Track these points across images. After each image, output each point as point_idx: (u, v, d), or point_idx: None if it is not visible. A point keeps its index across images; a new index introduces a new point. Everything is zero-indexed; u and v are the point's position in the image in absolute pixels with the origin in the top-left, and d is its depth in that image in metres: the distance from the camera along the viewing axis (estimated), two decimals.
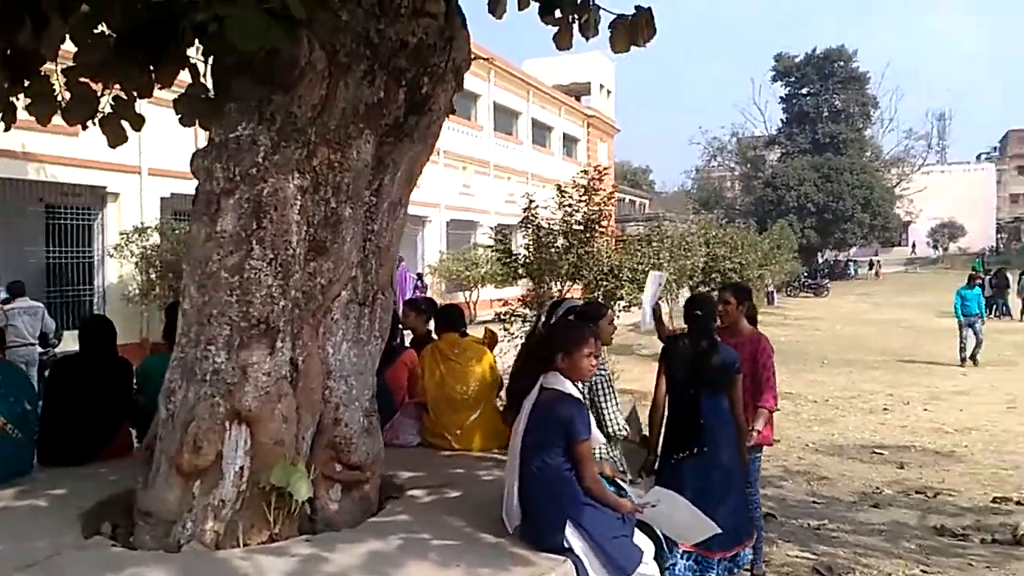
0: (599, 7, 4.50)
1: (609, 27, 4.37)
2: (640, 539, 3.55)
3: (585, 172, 11.10)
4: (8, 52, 4.28)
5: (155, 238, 14.06)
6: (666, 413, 4.60)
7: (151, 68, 4.83)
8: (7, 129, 4.82)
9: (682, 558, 4.15)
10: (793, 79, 58.17)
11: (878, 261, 59.24)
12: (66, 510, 4.09)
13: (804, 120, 57.34)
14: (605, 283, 11.39)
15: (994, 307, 26.20)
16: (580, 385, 3.76)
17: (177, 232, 13.77)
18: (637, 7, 4.31)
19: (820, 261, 55.47)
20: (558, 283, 10.75)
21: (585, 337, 3.68)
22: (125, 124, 4.71)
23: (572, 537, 3.37)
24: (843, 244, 56.07)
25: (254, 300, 3.72)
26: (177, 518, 3.63)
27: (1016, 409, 11.44)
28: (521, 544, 3.49)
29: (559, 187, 11.14)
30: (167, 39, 4.79)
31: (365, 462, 4.08)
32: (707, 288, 20.24)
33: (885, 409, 11.70)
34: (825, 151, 54.45)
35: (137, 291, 14.12)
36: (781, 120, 60.31)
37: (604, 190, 11.18)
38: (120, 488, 4.47)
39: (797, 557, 5.55)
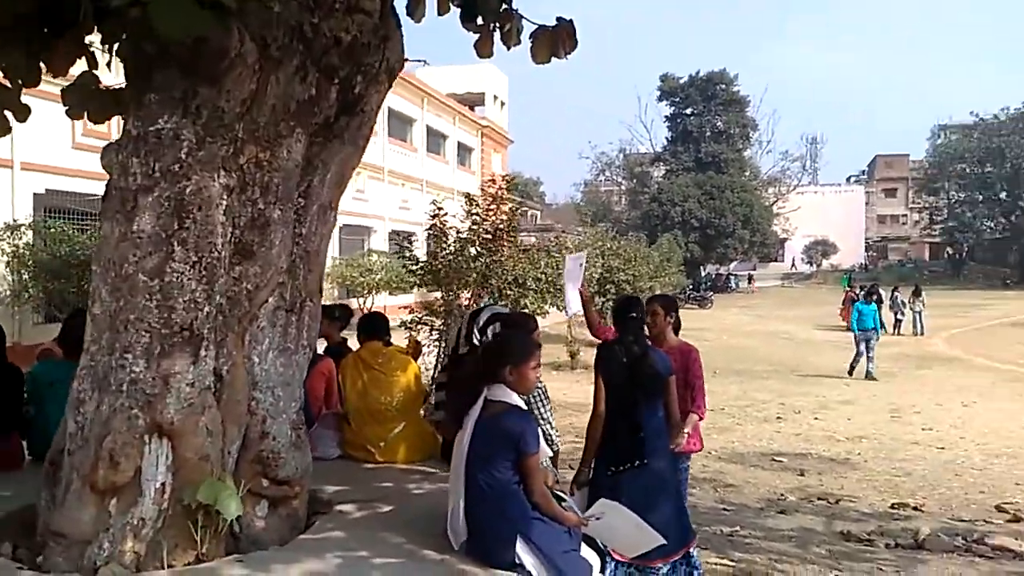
0: (522, 16, 4.46)
1: (530, 37, 4.33)
2: (586, 552, 3.49)
3: (493, 182, 11.07)
4: None
5: (28, 236, 13.17)
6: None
7: (39, 55, 4.58)
8: None
9: (619, 567, 4.10)
10: (678, 99, 59.97)
11: (747, 276, 61.94)
12: None
13: (688, 139, 59.17)
14: (510, 292, 11.41)
15: None
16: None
17: (52, 230, 12.95)
18: (559, 18, 4.30)
19: (703, 275, 57.34)
20: (466, 291, 10.65)
21: (532, 349, 3.62)
22: (8, 114, 4.33)
23: (523, 553, 3.28)
24: (724, 259, 58.21)
25: (176, 305, 3.47)
26: (92, 538, 3.33)
27: (900, 418, 12.06)
28: (469, 561, 3.37)
29: (468, 196, 11.08)
30: (61, 24, 4.52)
31: (293, 477, 3.86)
32: (603, 300, 20.59)
33: (779, 418, 12.12)
34: (708, 169, 56.35)
35: (8, 292, 13.19)
36: (666, 138, 62.14)
37: (512, 200, 11.17)
38: (15, 504, 4.15)
39: (716, 564, 5.62)
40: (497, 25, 4.51)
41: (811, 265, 75.62)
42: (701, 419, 5.07)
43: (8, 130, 4.45)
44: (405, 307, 13.44)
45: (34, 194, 14.02)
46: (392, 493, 4.45)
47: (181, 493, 3.42)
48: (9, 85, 4.53)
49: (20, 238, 13.12)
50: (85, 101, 4.45)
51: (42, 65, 4.29)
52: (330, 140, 4.10)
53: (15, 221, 13.22)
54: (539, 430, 3.50)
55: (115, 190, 3.63)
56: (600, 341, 4.85)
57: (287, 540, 3.76)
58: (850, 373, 16.57)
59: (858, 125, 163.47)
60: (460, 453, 3.48)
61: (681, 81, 59.68)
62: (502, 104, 39.92)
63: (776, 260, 74.90)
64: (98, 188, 13.65)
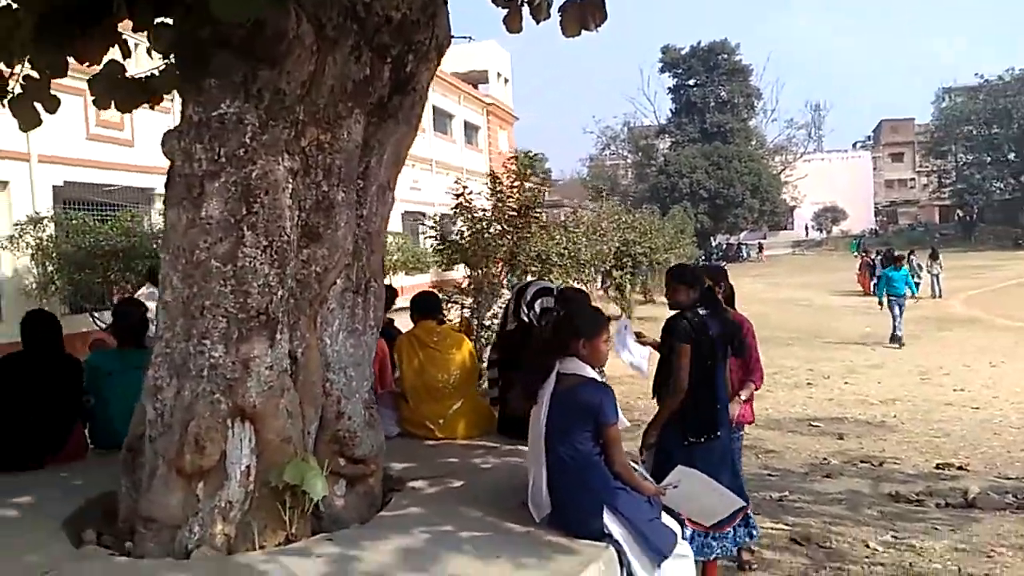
0: None
1: (559, 10, 4.25)
2: (668, 520, 3.52)
3: (515, 158, 11.04)
4: None
5: (51, 229, 13.19)
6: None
7: (72, 45, 4.56)
8: None
9: (695, 535, 4.12)
10: (680, 71, 59.58)
11: (757, 245, 61.77)
12: (44, 519, 3.80)
13: (692, 110, 58.84)
14: (534, 268, 11.39)
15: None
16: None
17: (75, 222, 12.96)
18: None
19: (713, 245, 57.25)
20: (494, 268, 10.67)
21: (604, 323, 3.63)
22: (38, 106, 4.30)
23: (610, 523, 3.30)
24: (735, 228, 58.07)
25: (251, 290, 3.49)
26: (182, 523, 3.38)
27: (929, 380, 12.06)
28: (554, 532, 3.40)
29: (492, 173, 11.05)
30: (95, 14, 4.51)
31: (369, 455, 3.90)
32: (621, 272, 20.54)
33: (809, 383, 12.13)
34: (714, 140, 56.07)
35: (35, 284, 13.23)
36: (671, 110, 61.79)
37: (536, 176, 11.15)
38: (91, 492, 4.20)
39: (771, 529, 5.66)
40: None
41: (821, 232, 75.36)
42: (757, 389, 5.08)
43: (39, 122, 4.45)
44: (422, 286, 13.45)
45: (53, 186, 14.01)
46: (459, 469, 4.48)
47: (266, 475, 3.45)
48: (38, 77, 4.55)
49: (44, 231, 13.14)
50: (112, 90, 4.44)
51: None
52: (384, 120, 4.09)
53: (37, 214, 13.24)
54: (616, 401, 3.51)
55: (179, 177, 3.63)
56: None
57: (366, 518, 3.80)
58: (894, 341, 15.67)
59: (862, 91, 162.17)
60: (538, 427, 3.50)
61: (683, 52, 59.26)
62: (506, 81, 39.63)
63: (786, 228, 74.61)
64: (113, 178, 13.64)
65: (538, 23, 4.57)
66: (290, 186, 3.63)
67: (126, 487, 3.75)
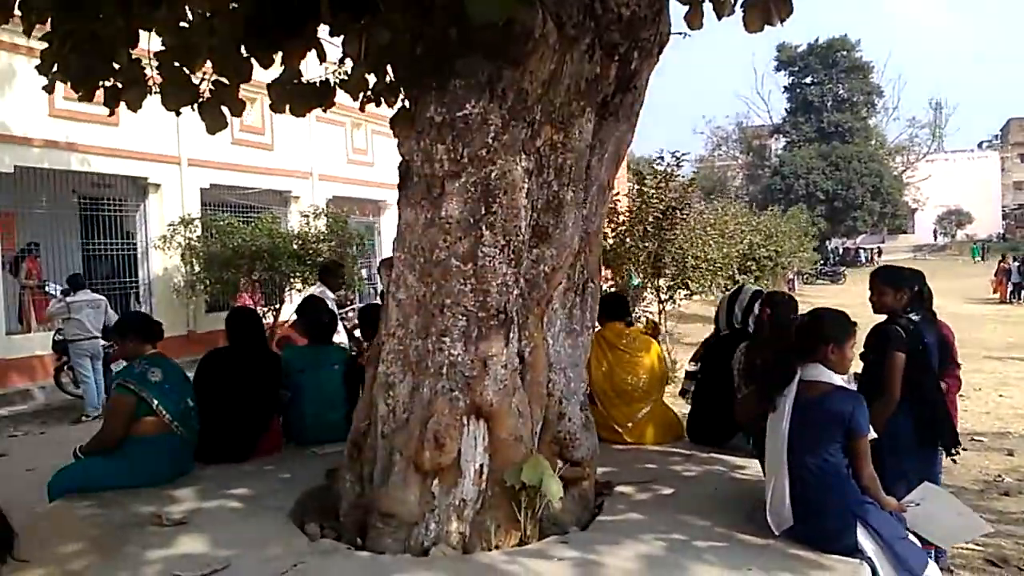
0: None
1: (743, 5, 4.10)
2: (914, 539, 3.36)
3: (661, 158, 10.87)
4: (94, 35, 4.11)
5: (199, 230, 13.80)
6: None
7: (275, 49, 4.69)
8: (133, 111, 4.60)
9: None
10: (796, 69, 58.10)
11: (876, 249, 59.36)
12: (268, 511, 3.91)
13: (809, 109, 57.23)
14: (669, 272, 11.14)
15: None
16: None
17: (221, 223, 13.52)
18: None
19: (830, 249, 55.44)
20: (639, 272, 10.53)
21: (852, 328, 3.49)
22: (224, 109, 4.52)
23: (863, 538, 3.17)
24: (852, 232, 56.14)
25: (490, 289, 3.50)
26: (419, 519, 3.42)
27: None
28: (796, 545, 3.28)
29: (638, 174, 10.91)
30: (302, 18, 4.64)
31: (586, 457, 3.87)
32: (743, 277, 20.00)
33: (961, 395, 11.48)
34: (831, 139, 54.34)
35: (183, 283, 13.87)
36: (785, 109, 60.20)
37: (681, 177, 10.94)
38: (301, 485, 4.31)
39: (962, 548, 5.36)
40: None
41: (945, 236, 71.88)
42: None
43: (225, 125, 4.59)
44: None
45: (200, 189, 14.63)
46: (663, 475, 4.41)
47: (500, 474, 3.46)
48: (227, 82, 4.70)
49: (193, 232, 13.74)
50: (288, 96, 4.59)
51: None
52: (606, 119, 4.04)
53: (189, 215, 13.86)
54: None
55: (417, 177, 3.68)
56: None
57: (583, 521, 3.77)
58: None
59: (988, 88, 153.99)
60: (778, 436, 3.39)
61: (799, 49, 57.66)
62: None
63: (906, 232, 71.51)
64: (253, 181, 14.19)
65: (720, 19, 4.44)
66: (526, 186, 3.63)
67: (350, 481, 3.82)
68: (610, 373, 5.14)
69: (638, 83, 4.12)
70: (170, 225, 13.66)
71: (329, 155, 17.60)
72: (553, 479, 3.41)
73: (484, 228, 3.52)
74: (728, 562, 3.14)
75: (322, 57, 5.22)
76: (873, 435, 3.37)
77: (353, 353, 5.93)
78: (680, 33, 4.46)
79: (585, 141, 3.84)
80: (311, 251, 13.42)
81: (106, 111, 4.58)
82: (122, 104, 4.49)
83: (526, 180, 3.63)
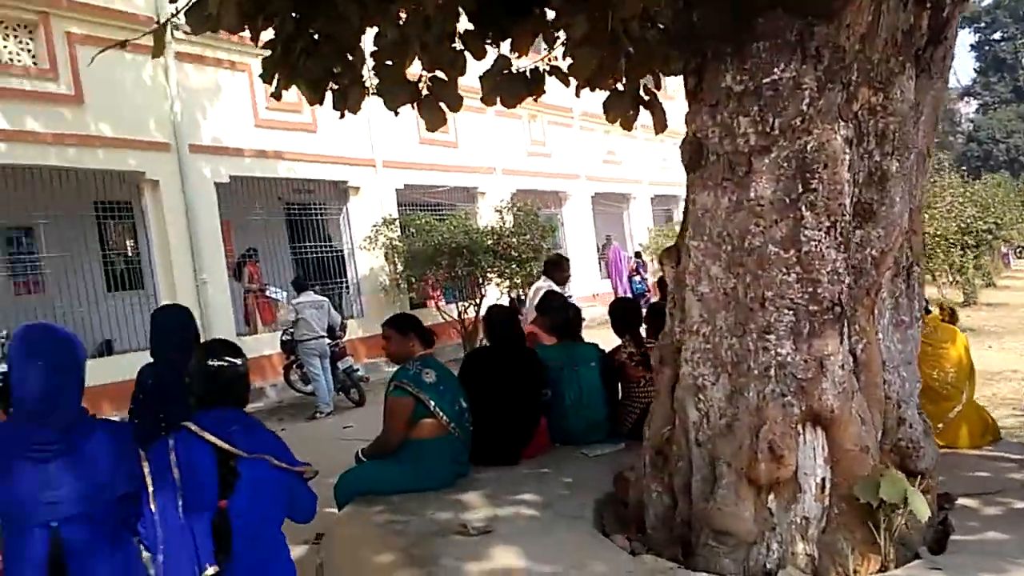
0: None
1: None
2: None
3: None
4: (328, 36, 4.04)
5: (397, 230, 14.07)
6: None
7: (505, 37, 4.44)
8: (354, 112, 4.52)
9: None
10: (983, 24, 53.28)
11: None
12: (567, 520, 3.65)
13: (1002, 67, 52.52)
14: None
15: None
16: None
17: (419, 222, 13.71)
18: None
19: None
20: None
21: None
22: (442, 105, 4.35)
23: None
24: None
25: (820, 278, 3.06)
26: (757, 538, 3.03)
27: None
28: None
29: None
30: (525, 6, 4.39)
31: (929, 468, 3.34)
32: (963, 253, 18.23)
33: None
34: None
35: (388, 281, 14.19)
36: (975, 69, 55.48)
37: None
38: (587, 490, 4.06)
39: None
40: None
41: None
42: None
43: (444, 121, 4.43)
44: None
45: (395, 189, 14.91)
46: (1004, 484, 3.81)
47: (843, 489, 3.02)
48: (444, 78, 4.48)
49: (394, 231, 14.04)
50: (499, 85, 4.40)
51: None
52: (918, 75, 3.49)
53: (390, 216, 14.16)
54: None
55: (715, 155, 3.28)
56: None
57: (929, 540, 3.25)
58: None
59: None
60: None
61: (984, 3, 52.74)
62: None
63: None
64: (442, 179, 14.45)
65: None
66: (847, 157, 3.15)
67: (656, 491, 3.49)
68: None
69: (948, 33, 3.55)
70: (374, 226, 14.01)
71: (510, 149, 17.57)
72: (917, 496, 2.92)
73: (804, 208, 3.08)
74: None
75: (549, 42, 4.99)
76: None
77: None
78: None
79: (908, 102, 3.31)
80: (504, 245, 13.40)
81: (307, 119, 4.56)
82: (317, 110, 4.44)
83: (847, 150, 3.15)
